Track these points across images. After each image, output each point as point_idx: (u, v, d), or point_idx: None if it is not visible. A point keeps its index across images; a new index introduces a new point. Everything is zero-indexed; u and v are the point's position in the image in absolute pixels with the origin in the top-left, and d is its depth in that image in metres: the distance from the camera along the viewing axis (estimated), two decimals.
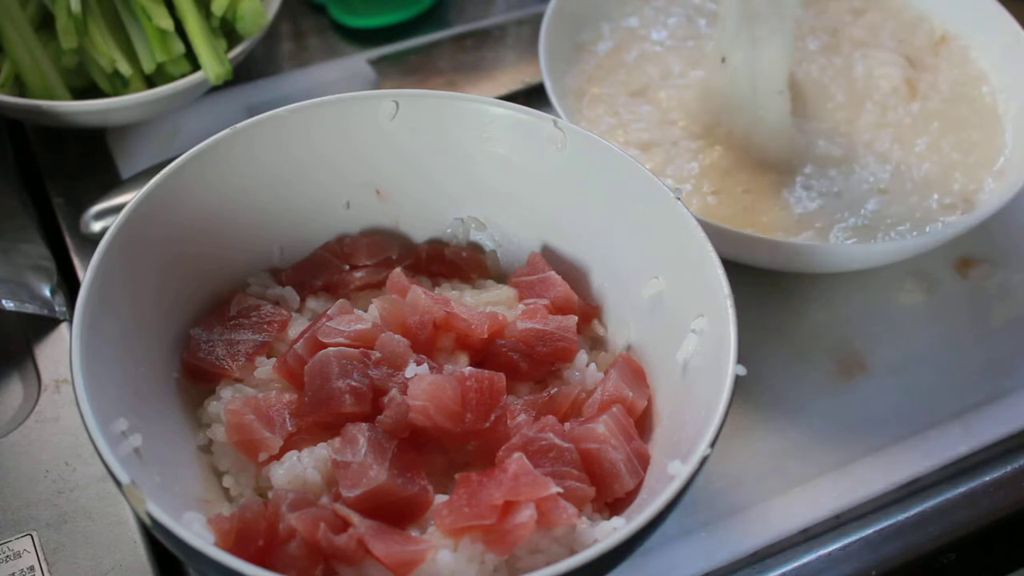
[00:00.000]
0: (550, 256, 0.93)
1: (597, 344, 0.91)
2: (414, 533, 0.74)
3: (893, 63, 1.16)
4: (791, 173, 1.06)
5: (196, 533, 0.68)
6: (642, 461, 0.80)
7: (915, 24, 1.23)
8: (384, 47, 1.30)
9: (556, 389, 0.83)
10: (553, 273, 0.90)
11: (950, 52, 1.20)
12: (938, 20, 1.23)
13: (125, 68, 1.09)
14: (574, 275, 0.92)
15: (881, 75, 1.15)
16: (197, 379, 0.85)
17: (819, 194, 1.04)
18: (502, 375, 0.80)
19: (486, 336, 0.84)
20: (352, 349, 0.81)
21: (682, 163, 1.07)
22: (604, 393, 0.83)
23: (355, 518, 0.72)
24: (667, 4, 1.24)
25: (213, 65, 1.09)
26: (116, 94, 1.11)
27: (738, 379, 0.73)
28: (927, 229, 1.02)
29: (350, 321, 0.83)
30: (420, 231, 0.97)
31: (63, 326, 0.99)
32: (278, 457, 0.79)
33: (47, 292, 0.99)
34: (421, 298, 0.84)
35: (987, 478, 0.95)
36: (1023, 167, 1.04)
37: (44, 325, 0.99)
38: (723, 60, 1.06)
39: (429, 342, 0.83)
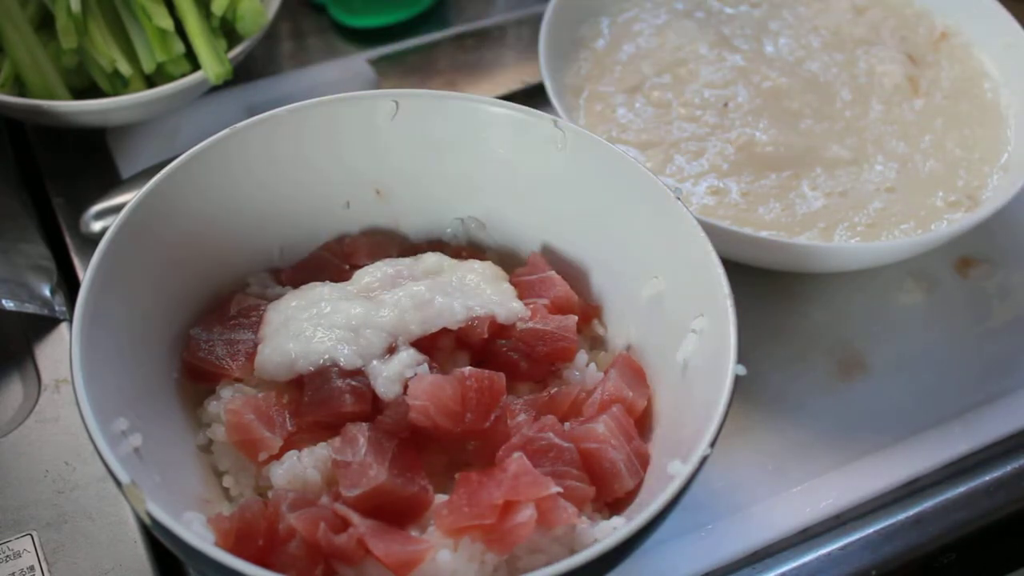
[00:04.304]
0: (550, 256, 0.93)
1: (597, 344, 0.91)
2: (414, 533, 0.74)
3: (894, 60, 1.16)
4: (797, 174, 1.06)
5: (196, 533, 0.68)
6: (642, 461, 0.80)
7: (916, 21, 1.23)
8: (384, 47, 1.30)
9: (556, 389, 0.83)
10: (553, 273, 0.90)
11: (951, 49, 1.20)
12: (938, 17, 1.23)
13: (125, 68, 1.09)
14: (574, 275, 0.92)
15: (883, 72, 1.15)
16: (197, 379, 0.85)
17: (824, 194, 1.04)
18: (502, 375, 0.80)
19: (486, 336, 0.84)
20: None
21: (682, 162, 1.07)
22: (604, 393, 0.83)
23: (355, 518, 0.72)
24: None
25: (213, 65, 1.09)
26: (116, 94, 1.11)
27: (738, 379, 0.73)
28: (931, 227, 1.02)
29: None
30: (420, 231, 0.97)
31: (63, 326, 0.99)
32: (278, 457, 0.79)
33: (47, 292, 0.99)
34: None
35: (987, 478, 0.95)
36: (1022, 167, 1.04)
37: (44, 325, 0.99)
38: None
39: (429, 342, 0.83)
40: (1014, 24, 1.16)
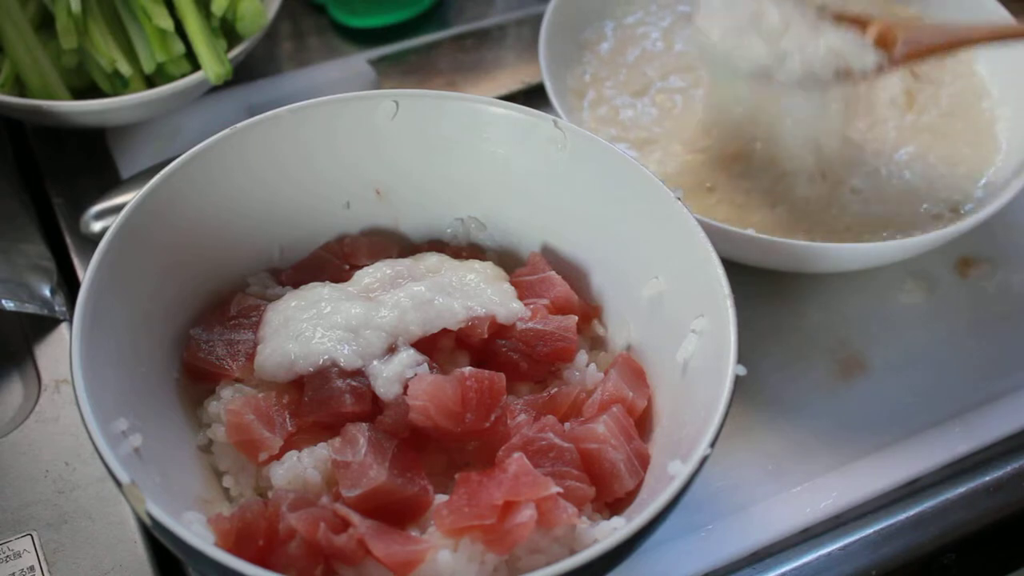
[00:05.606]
0: (550, 256, 0.93)
1: (597, 344, 0.91)
2: (414, 533, 0.74)
3: (894, 74, 1.16)
4: (794, 177, 1.06)
5: (196, 533, 0.68)
6: (642, 461, 0.80)
7: None
8: (384, 47, 1.30)
9: (556, 389, 0.84)
10: (553, 273, 0.90)
11: (956, 65, 1.20)
12: None
13: (125, 68, 1.09)
14: (574, 275, 0.92)
15: (881, 86, 1.15)
16: (197, 379, 0.85)
17: (821, 196, 1.04)
18: (502, 375, 0.80)
19: (486, 336, 0.84)
20: None
21: (682, 163, 1.07)
22: (604, 393, 0.83)
23: (355, 518, 0.72)
24: (673, 1, 1.23)
25: (213, 65, 1.09)
26: (116, 94, 1.11)
27: (738, 379, 0.73)
28: (926, 230, 1.02)
29: None
30: (420, 231, 0.97)
31: (63, 326, 0.99)
32: (278, 457, 0.79)
33: (47, 292, 0.99)
34: None
35: (987, 478, 0.95)
36: (1020, 168, 1.04)
37: (44, 325, 0.99)
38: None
39: (429, 342, 0.83)
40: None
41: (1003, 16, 1.17)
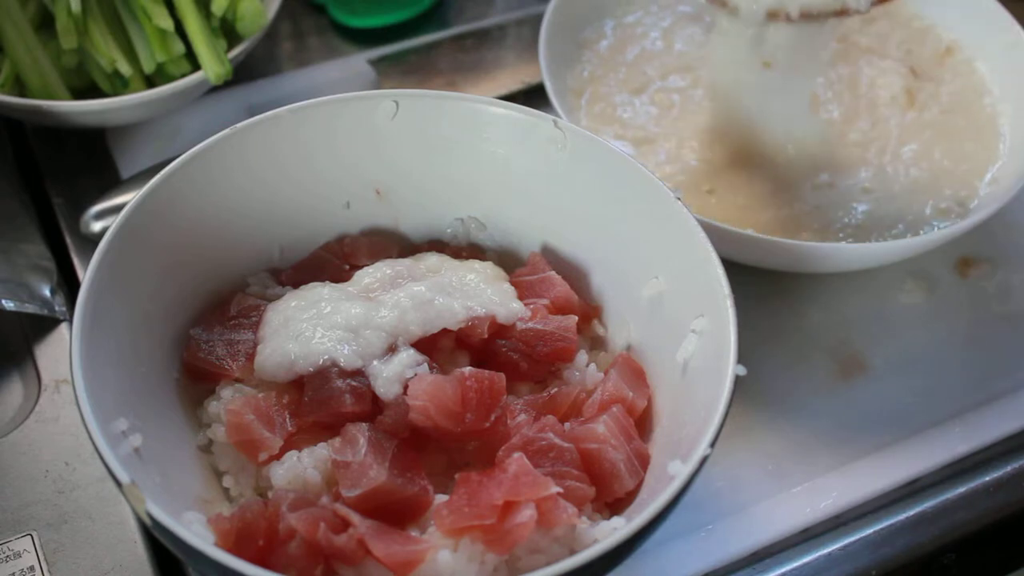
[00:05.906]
0: (550, 256, 0.93)
1: (597, 344, 0.91)
2: (414, 533, 0.74)
3: (895, 72, 1.16)
4: (792, 174, 1.06)
5: (196, 533, 0.68)
6: (642, 461, 0.80)
7: (923, 34, 1.23)
8: (384, 47, 1.30)
9: (556, 389, 0.83)
10: (553, 273, 0.90)
11: (955, 63, 1.20)
12: (944, 30, 1.22)
13: (125, 68, 1.09)
14: (574, 275, 0.92)
15: (882, 84, 1.15)
16: (197, 379, 0.85)
17: (822, 195, 1.04)
18: (502, 375, 0.80)
19: (486, 336, 0.84)
20: None
21: (681, 163, 1.07)
22: (604, 393, 0.83)
23: (355, 518, 0.72)
24: (673, 1, 1.23)
25: (213, 65, 1.09)
26: (116, 94, 1.11)
27: (738, 379, 0.73)
28: (925, 230, 1.02)
29: None
30: (420, 231, 0.97)
31: (63, 326, 0.99)
32: (278, 457, 0.79)
33: (47, 292, 0.99)
34: None
35: (987, 478, 0.95)
36: (1021, 168, 1.04)
37: (44, 325, 0.99)
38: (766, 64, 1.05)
39: (429, 342, 0.83)
40: (1015, 26, 1.16)
41: (1003, 16, 1.17)
